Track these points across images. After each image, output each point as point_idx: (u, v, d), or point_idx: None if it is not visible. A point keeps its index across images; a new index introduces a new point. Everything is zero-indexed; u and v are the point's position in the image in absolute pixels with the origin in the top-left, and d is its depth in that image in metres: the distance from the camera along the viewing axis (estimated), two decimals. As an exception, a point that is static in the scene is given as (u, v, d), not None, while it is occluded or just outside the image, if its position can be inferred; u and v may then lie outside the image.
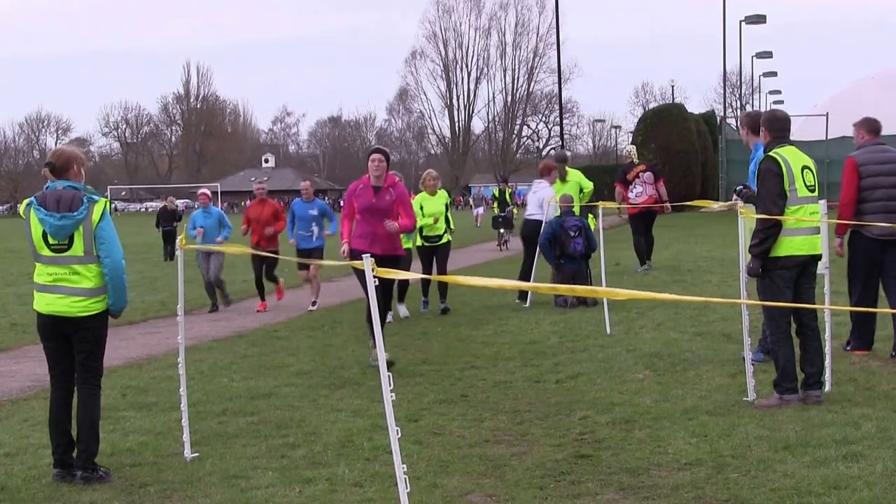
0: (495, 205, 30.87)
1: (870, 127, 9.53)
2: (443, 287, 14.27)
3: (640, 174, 18.41)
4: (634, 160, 18.76)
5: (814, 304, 8.03)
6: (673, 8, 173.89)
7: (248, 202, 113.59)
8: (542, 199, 14.99)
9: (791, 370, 7.65)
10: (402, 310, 13.96)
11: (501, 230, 30.09)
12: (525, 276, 15.05)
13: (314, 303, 15.41)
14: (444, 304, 14.21)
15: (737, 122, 31.44)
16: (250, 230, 15.79)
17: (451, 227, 14.96)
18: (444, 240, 14.50)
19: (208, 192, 16.85)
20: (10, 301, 17.86)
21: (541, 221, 14.89)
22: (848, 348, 9.50)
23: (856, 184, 9.28)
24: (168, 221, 30.51)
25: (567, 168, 15.80)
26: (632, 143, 33.85)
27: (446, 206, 14.69)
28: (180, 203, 31.57)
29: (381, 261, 7.96)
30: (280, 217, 15.74)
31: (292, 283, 19.90)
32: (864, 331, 9.49)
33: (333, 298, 16.94)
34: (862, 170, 9.30)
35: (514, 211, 32.14)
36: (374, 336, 9.03)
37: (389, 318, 12.68)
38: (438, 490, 5.90)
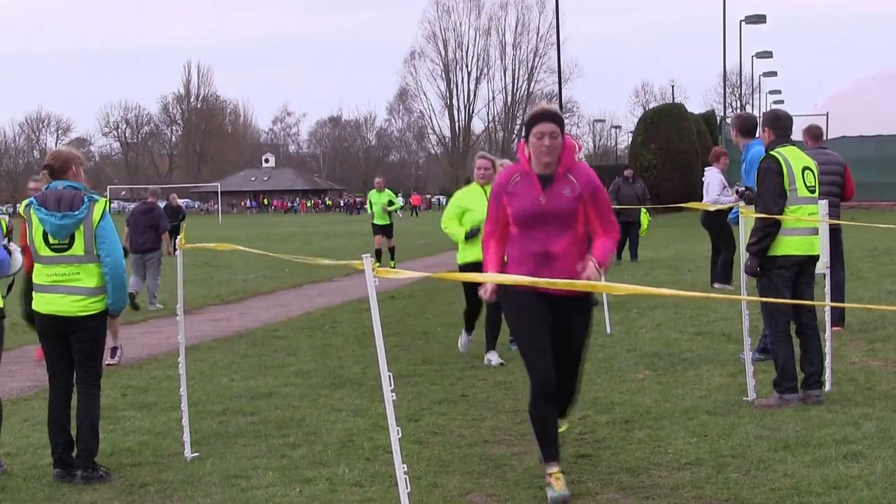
0: None
1: (811, 134, 10.70)
2: (496, 321, 9.98)
3: None
4: None
5: (813, 304, 8.04)
6: (673, 8, 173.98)
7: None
8: (708, 185, 14.73)
9: (791, 370, 7.65)
10: (494, 357, 10.05)
11: None
12: (724, 267, 14.69)
13: (115, 349, 10.88)
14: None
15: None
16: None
17: None
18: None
19: None
20: (11, 301, 17.86)
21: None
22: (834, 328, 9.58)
23: None
24: (172, 218, 30.63)
25: None
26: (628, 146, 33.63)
27: None
28: (182, 203, 31.62)
29: (564, 302, 5.68)
30: None
31: (291, 284, 19.90)
32: (835, 310, 9.95)
33: (334, 298, 16.94)
34: None
35: None
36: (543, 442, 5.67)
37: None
38: (438, 490, 5.90)
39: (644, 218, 20.03)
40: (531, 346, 5.69)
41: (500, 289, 5.72)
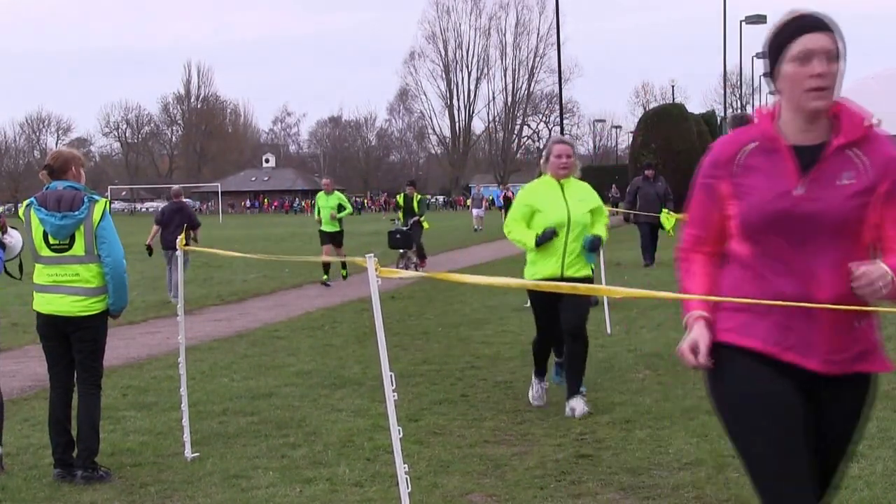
0: (400, 214, 22.04)
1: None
2: (579, 356, 7.75)
3: None
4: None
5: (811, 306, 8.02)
6: (673, 8, 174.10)
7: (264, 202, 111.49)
8: None
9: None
10: (579, 405, 7.64)
11: (402, 249, 20.94)
12: None
13: None
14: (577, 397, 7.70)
15: (737, 122, 31.69)
16: None
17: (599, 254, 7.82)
18: (584, 271, 7.74)
19: None
20: (11, 301, 17.86)
21: None
22: None
23: None
24: None
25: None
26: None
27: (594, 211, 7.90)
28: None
29: (833, 384, 3.23)
30: None
31: (292, 284, 19.91)
32: None
33: (334, 298, 16.95)
34: None
35: (425, 225, 22.05)
36: None
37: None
38: (439, 490, 5.90)
39: (665, 219, 18.42)
40: (781, 483, 3.17)
41: (726, 383, 3.27)
